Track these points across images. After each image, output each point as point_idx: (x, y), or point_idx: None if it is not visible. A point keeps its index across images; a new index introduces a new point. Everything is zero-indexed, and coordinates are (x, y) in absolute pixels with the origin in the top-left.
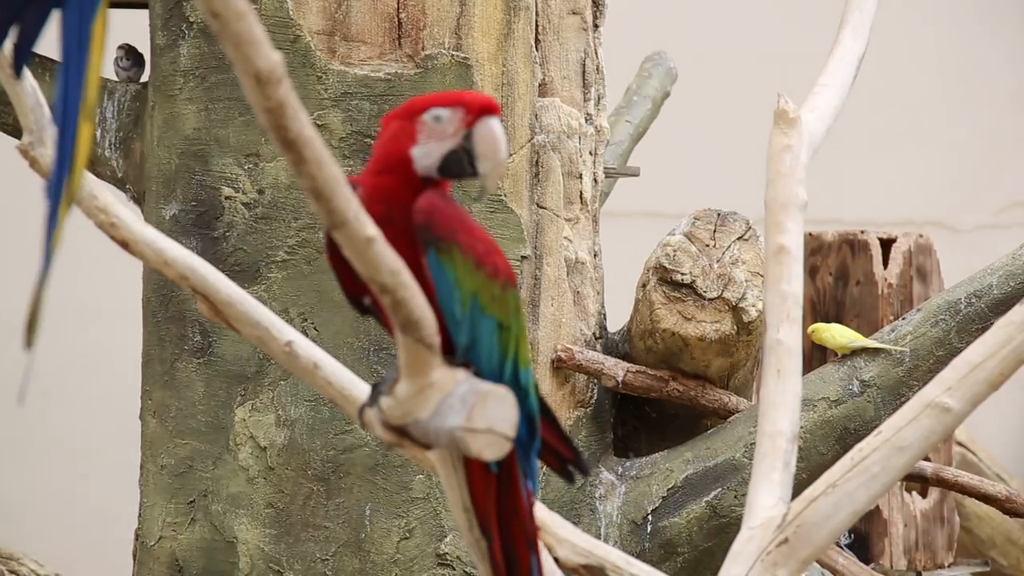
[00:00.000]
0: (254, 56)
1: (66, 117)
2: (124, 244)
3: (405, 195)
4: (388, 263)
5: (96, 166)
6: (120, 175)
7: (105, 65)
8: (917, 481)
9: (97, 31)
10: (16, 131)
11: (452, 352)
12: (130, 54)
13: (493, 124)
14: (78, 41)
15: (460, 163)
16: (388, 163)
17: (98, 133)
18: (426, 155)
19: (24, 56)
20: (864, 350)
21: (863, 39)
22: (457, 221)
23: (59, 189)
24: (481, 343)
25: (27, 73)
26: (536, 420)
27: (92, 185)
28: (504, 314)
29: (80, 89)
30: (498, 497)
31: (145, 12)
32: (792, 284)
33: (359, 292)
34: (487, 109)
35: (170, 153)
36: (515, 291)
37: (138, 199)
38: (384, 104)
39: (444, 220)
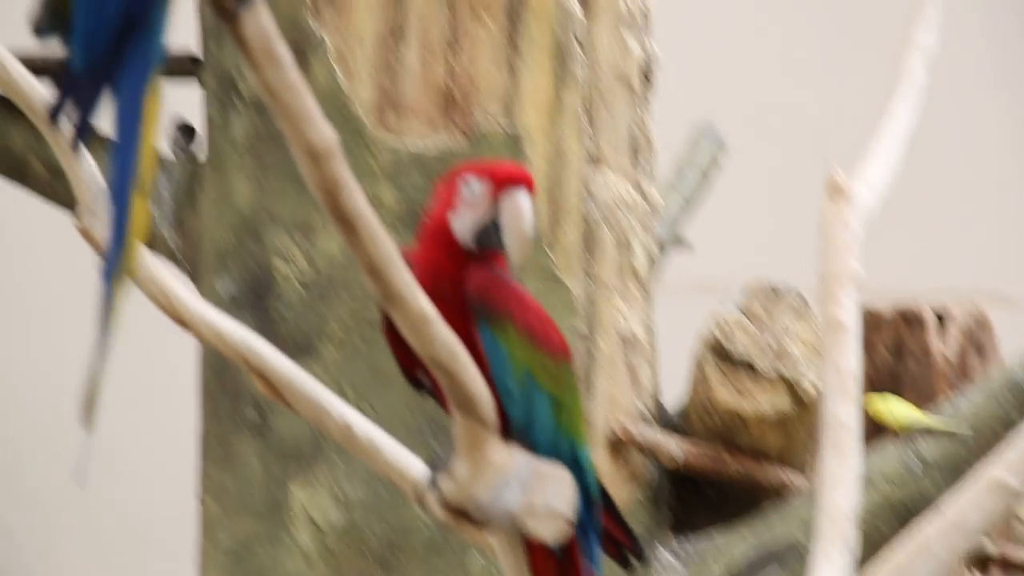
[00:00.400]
0: (308, 131)
1: (120, 194)
2: (180, 321)
3: (451, 267)
4: (444, 340)
5: (151, 242)
6: (175, 250)
7: (159, 142)
8: (981, 561)
9: (150, 107)
10: (69, 204)
11: (508, 429)
12: (183, 129)
13: (518, 197)
14: (131, 117)
15: (488, 237)
16: (433, 231)
17: (154, 210)
18: (463, 226)
19: (84, 131)
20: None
21: (916, 110)
22: (511, 295)
23: (114, 267)
24: (537, 420)
25: (84, 151)
26: (595, 498)
27: (148, 261)
28: (560, 390)
29: (133, 165)
30: None
31: (198, 86)
32: (849, 359)
33: (414, 368)
34: (512, 180)
35: (224, 228)
36: (570, 367)
37: (193, 275)
38: (436, 177)
39: (498, 294)
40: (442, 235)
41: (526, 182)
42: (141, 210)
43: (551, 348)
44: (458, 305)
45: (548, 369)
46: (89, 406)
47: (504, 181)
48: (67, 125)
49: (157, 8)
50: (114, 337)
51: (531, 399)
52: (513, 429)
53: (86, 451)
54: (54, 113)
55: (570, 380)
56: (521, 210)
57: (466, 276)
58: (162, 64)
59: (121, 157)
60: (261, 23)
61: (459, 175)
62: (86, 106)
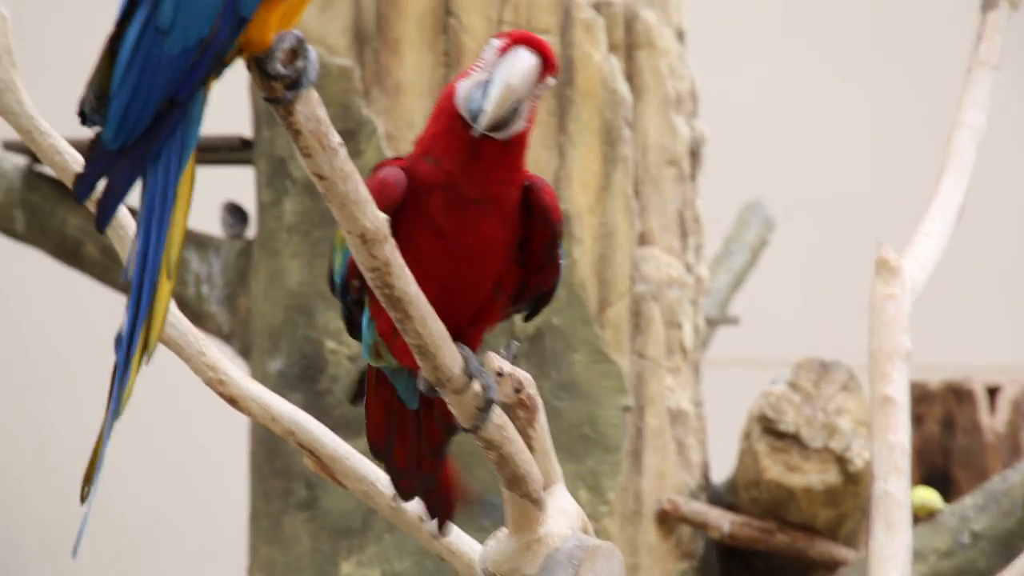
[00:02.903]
0: (360, 216)
1: (144, 273)
2: (232, 400)
3: (448, 142)
4: (494, 418)
5: (202, 321)
6: (226, 330)
7: (210, 222)
8: None
9: (183, 189)
10: (123, 288)
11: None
12: (235, 211)
13: (523, 53)
14: (163, 200)
15: (481, 95)
16: (439, 102)
17: (205, 289)
18: (464, 87)
19: (109, 211)
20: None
21: (963, 187)
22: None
23: (131, 344)
24: None
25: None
26: None
27: (200, 341)
28: None
29: (161, 247)
30: None
31: (250, 169)
32: (899, 434)
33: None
34: (524, 39)
35: (275, 308)
36: None
37: (244, 353)
38: None
39: (554, 202)
40: (444, 98)
41: (538, 45)
42: (165, 291)
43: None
44: (466, 199)
45: None
46: (88, 479)
47: (516, 38)
48: (94, 203)
49: (200, 92)
50: (122, 414)
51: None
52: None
53: (83, 522)
54: (83, 187)
55: None
56: (516, 63)
57: (494, 173)
58: (197, 147)
59: (149, 237)
60: (312, 110)
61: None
62: (120, 185)
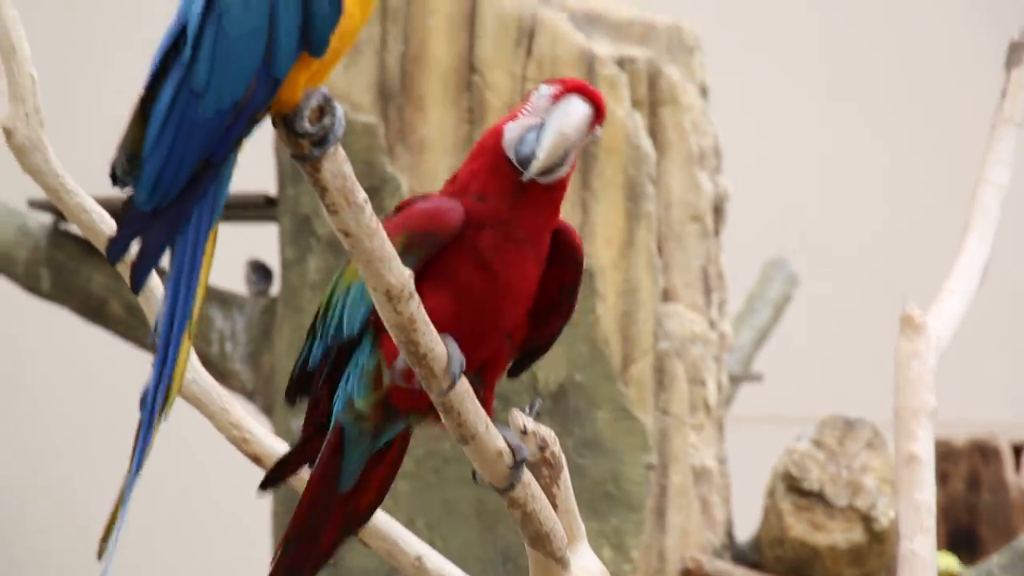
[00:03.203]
0: (385, 272)
1: (172, 334)
2: (255, 458)
3: (495, 182)
4: (522, 478)
5: (226, 379)
6: (250, 387)
7: (235, 279)
8: None
9: (208, 247)
10: (148, 345)
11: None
12: (258, 269)
13: (578, 102)
14: (192, 260)
15: (526, 143)
16: (483, 142)
17: (228, 346)
18: (513, 130)
19: (144, 274)
20: None
21: (988, 244)
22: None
23: (156, 403)
24: None
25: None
26: None
27: (224, 399)
28: None
29: (190, 306)
30: None
31: (274, 226)
32: (924, 493)
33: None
34: (579, 88)
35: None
36: None
37: (268, 411)
38: None
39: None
40: (490, 137)
41: (592, 95)
42: (187, 349)
43: None
44: (534, 236)
45: None
46: (106, 536)
47: (571, 87)
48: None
49: (234, 153)
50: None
51: None
52: None
53: None
54: (116, 250)
55: None
56: (571, 112)
57: (538, 216)
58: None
59: (177, 298)
60: (339, 167)
61: (533, 89)
62: (155, 247)
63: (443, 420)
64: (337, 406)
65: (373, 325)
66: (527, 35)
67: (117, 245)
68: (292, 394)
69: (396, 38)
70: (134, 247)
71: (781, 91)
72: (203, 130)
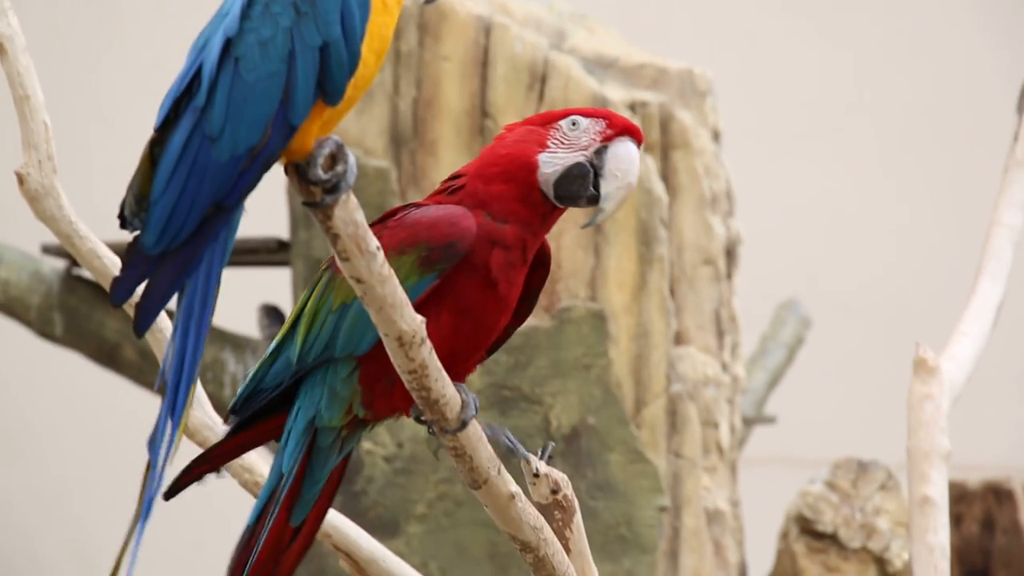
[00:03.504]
0: (397, 319)
1: (182, 376)
2: None
3: (523, 211)
4: (530, 520)
5: None
6: None
7: (247, 323)
8: None
9: (214, 292)
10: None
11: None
12: (271, 312)
13: (632, 147)
14: (202, 304)
15: (582, 179)
16: (508, 167)
17: (240, 391)
18: (550, 163)
19: (151, 317)
20: None
21: (1001, 287)
22: None
23: (163, 443)
24: None
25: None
26: None
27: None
28: None
29: (200, 349)
30: None
31: (287, 270)
32: (938, 535)
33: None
34: (630, 130)
35: None
36: None
37: None
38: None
39: None
40: (521, 170)
41: (639, 134)
42: (192, 390)
43: None
44: (528, 258)
45: None
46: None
47: (621, 127)
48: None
49: (244, 196)
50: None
51: None
52: None
53: None
54: (121, 291)
55: None
56: (633, 160)
57: (542, 236)
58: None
59: (190, 340)
60: (350, 214)
61: (558, 117)
62: (163, 290)
63: (456, 465)
64: (305, 414)
65: (354, 357)
66: (539, 79)
67: (122, 286)
68: (234, 411)
69: (408, 83)
70: (140, 289)
71: (793, 134)
72: (216, 175)
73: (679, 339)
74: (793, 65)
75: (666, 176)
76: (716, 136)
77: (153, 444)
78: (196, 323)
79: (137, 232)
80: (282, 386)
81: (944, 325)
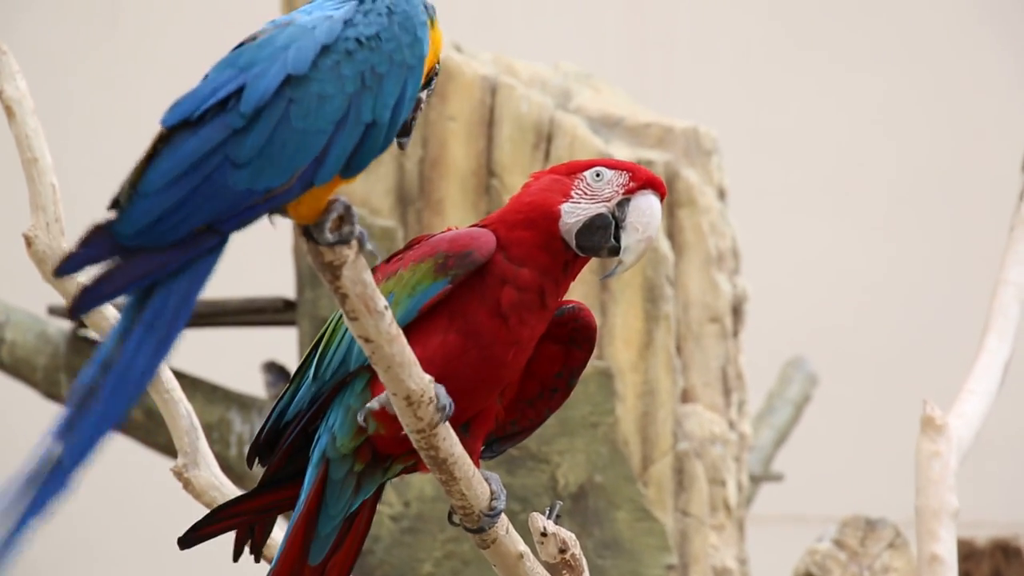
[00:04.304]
0: (405, 378)
1: (126, 391)
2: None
3: (543, 258)
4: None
5: (244, 482)
6: None
7: (253, 383)
8: None
9: (185, 316)
10: (167, 450)
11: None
12: (273, 369)
13: (655, 200)
14: (173, 320)
15: (603, 230)
16: (530, 214)
17: (247, 450)
18: (573, 213)
19: (96, 302)
20: None
21: (1008, 344)
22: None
23: (67, 469)
24: None
25: (183, 397)
26: None
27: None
28: None
29: (153, 370)
30: None
31: (293, 329)
32: None
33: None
34: (654, 184)
35: None
36: None
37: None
38: None
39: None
40: (543, 218)
41: (661, 187)
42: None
43: None
44: (548, 303)
45: None
46: None
47: (645, 181)
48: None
49: (239, 228)
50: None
51: None
52: None
53: None
54: (71, 265)
55: None
56: (655, 213)
57: (571, 304)
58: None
59: (143, 354)
60: (358, 274)
61: (583, 168)
62: (123, 282)
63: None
64: (322, 441)
65: (368, 369)
66: (545, 139)
67: (73, 261)
68: (255, 454)
69: (415, 143)
70: (90, 271)
71: (798, 192)
72: (224, 198)
73: (686, 397)
74: (797, 123)
75: (672, 234)
76: (722, 194)
77: (60, 436)
78: (158, 341)
79: (112, 216)
80: (304, 415)
81: (951, 382)
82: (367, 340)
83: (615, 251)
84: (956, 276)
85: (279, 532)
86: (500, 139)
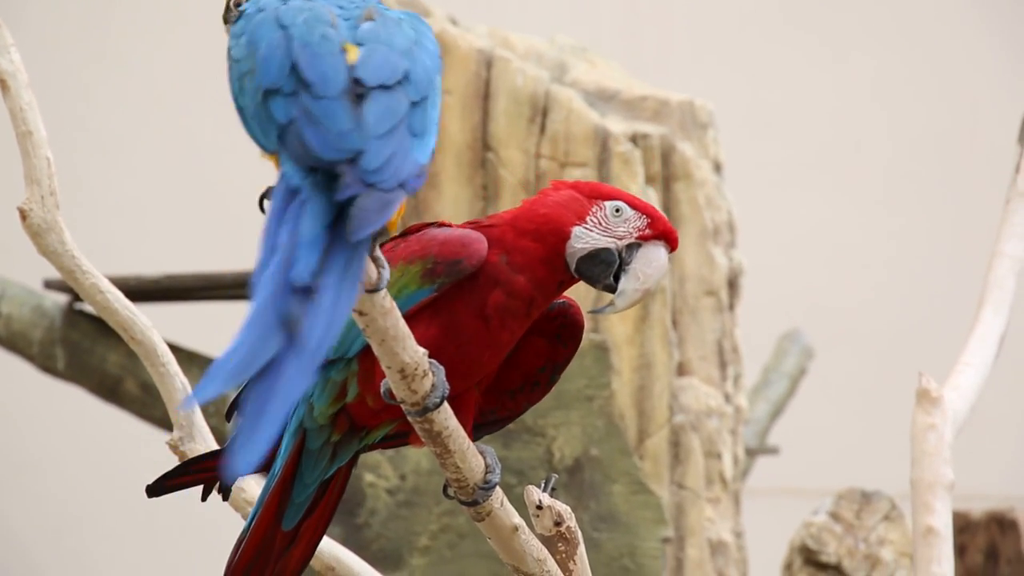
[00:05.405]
0: (400, 351)
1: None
2: None
3: (542, 271)
4: (534, 552)
5: None
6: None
7: None
8: None
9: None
10: (163, 423)
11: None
12: None
13: (664, 254)
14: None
15: (606, 266)
16: (540, 227)
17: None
18: (582, 239)
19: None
20: None
21: (1004, 317)
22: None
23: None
24: None
25: (179, 371)
26: None
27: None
28: None
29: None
30: None
31: None
32: (942, 566)
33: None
34: (668, 237)
35: None
36: None
37: None
38: None
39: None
40: (552, 235)
41: (674, 239)
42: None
43: None
44: (532, 304)
45: None
46: None
47: (661, 232)
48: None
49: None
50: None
51: None
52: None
53: None
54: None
55: None
56: (661, 267)
57: (561, 299)
58: None
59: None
60: None
61: (605, 198)
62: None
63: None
64: (299, 410)
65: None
66: (540, 112)
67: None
68: (234, 410)
69: None
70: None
71: (794, 165)
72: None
73: (681, 370)
74: (793, 96)
75: (668, 208)
76: (717, 167)
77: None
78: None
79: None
80: None
81: (947, 355)
82: (361, 313)
83: (611, 289)
84: (952, 249)
85: (250, 481)
86: (496, 112)
